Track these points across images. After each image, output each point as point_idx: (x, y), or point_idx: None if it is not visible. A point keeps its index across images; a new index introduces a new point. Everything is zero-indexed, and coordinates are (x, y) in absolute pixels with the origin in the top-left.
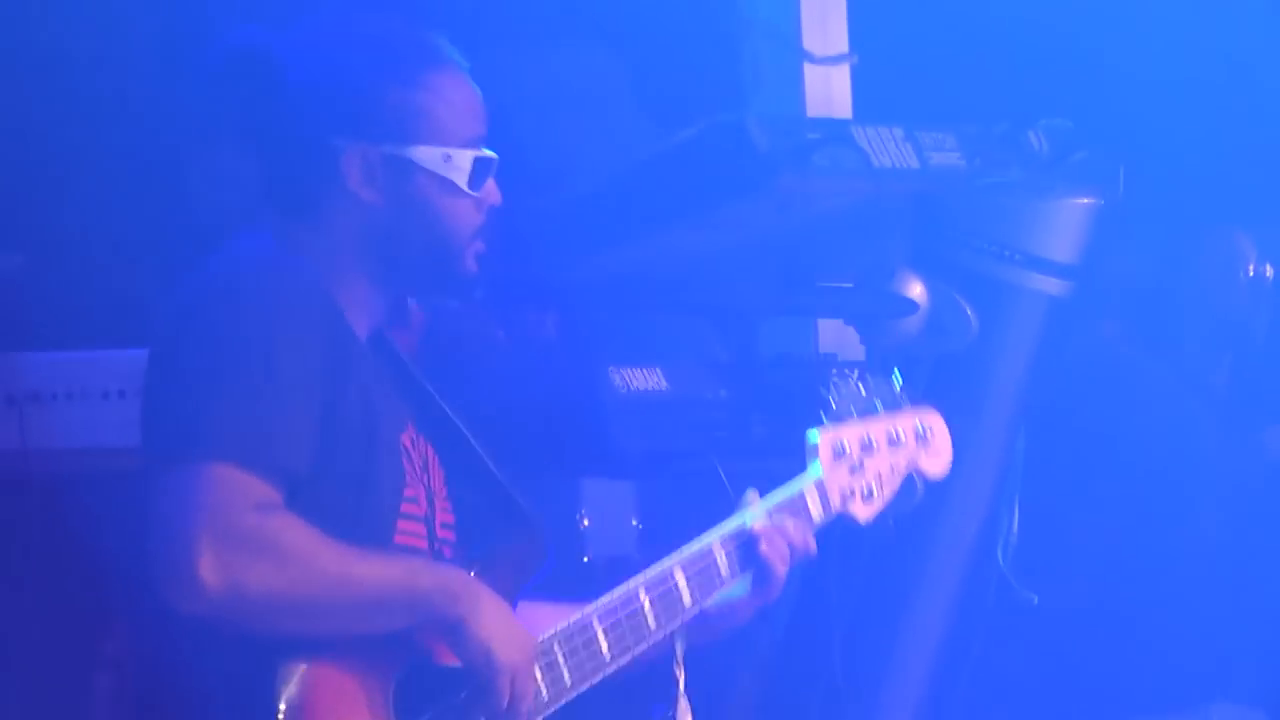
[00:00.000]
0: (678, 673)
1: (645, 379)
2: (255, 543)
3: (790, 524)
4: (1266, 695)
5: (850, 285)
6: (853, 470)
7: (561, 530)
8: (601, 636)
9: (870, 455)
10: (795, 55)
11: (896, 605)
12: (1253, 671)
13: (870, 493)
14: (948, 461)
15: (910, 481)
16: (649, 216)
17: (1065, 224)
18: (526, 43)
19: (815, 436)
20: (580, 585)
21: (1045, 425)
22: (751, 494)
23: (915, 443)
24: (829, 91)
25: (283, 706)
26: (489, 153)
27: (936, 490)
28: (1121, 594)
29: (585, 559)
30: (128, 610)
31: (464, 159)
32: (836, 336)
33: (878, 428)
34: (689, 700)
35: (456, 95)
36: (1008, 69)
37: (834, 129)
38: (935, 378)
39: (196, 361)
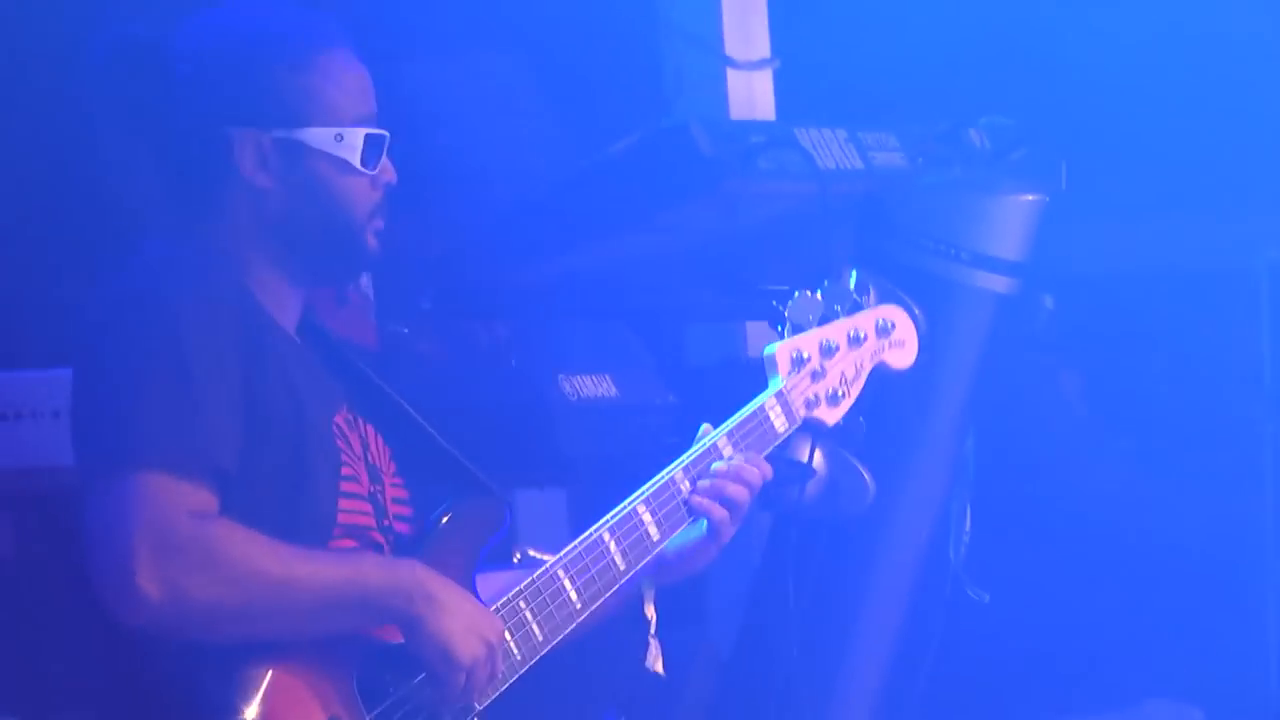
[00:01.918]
0: (649, 614)
1: (595, 386)
2: (193, 551)
3: (743, 461)
4: (1201, 690)
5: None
6: (815, 376)
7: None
8: (569, 584)
9: (832, 358)
10: (717, 60)
11: (851, 605)
12: (1188, 667)
13: (836, 395)
14: (914, 352)
15: (861, 482)
16: (594, 223)
17: (1010, 221)
18: (448, 48)
19: (772, 349)
20: None
21: (993, 424)
22: (705, 427)
23: (877, 337)
24: (751, 96)
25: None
26: (381, 130)
27: (890, 490)
28: (1060, 591)
29: None
30: (83, 625)
31: (355, 137)
32: (764, 340)
33: (837, 330)
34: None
35: (344, 74)
36: (931, 70)
37: (778, 132)
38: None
39: (116, 373)
